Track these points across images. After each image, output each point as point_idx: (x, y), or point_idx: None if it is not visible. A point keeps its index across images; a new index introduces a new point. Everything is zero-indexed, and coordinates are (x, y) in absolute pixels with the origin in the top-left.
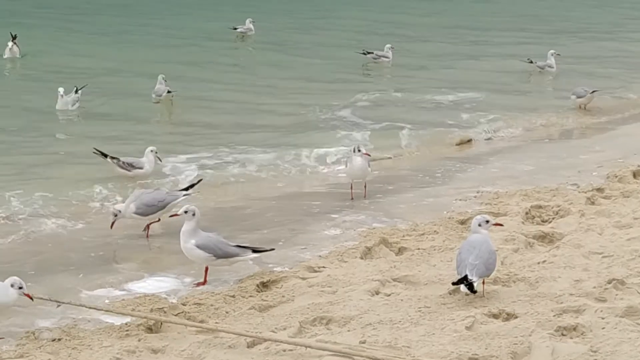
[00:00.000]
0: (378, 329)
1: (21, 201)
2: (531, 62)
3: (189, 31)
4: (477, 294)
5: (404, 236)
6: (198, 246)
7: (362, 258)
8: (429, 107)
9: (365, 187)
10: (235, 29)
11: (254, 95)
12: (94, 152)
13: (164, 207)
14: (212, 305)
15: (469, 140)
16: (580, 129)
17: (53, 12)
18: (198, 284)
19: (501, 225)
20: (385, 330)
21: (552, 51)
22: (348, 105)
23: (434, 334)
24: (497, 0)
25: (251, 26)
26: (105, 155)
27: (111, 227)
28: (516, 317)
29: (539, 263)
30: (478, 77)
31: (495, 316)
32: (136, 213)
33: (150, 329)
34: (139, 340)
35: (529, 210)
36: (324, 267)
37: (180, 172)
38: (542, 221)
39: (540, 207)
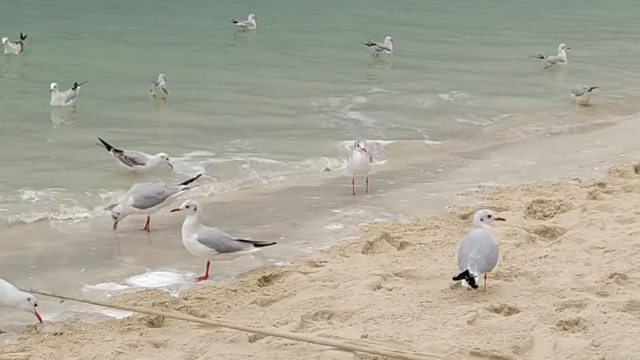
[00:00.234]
0: (380, 324)
1: (22, 197)
2: (542, 57)
3: (189, 28)
4: (479, 288)
5: (405, 231)
6: (200, 240)
7: (363, 253)
8: (431, 103)
9: (367, 181)
10: (236, 22)
11: (254, 93)
12: (98, 144)
13: (162, 199)
14: (213, 299)
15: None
16: (581, 124)
17: (51, 8)
18: (200, 279)
19: (504, 220)
20: (387, 325)
21: (562, 44)
22: (350, 101)
23: (435, 328)
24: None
25: (253, 21)
26: (109, 147)
27: (114, 228)
28: (518, 312)
29: (540, 258)
30: (480, 75)
31: (497, 311)
32: (135, 206)
33: (152, 323)
34: (141, 335)
35: (531, 205)
36: (325, 261)
37: (182, 169)
38: (544, 216)
39: (542, 201)
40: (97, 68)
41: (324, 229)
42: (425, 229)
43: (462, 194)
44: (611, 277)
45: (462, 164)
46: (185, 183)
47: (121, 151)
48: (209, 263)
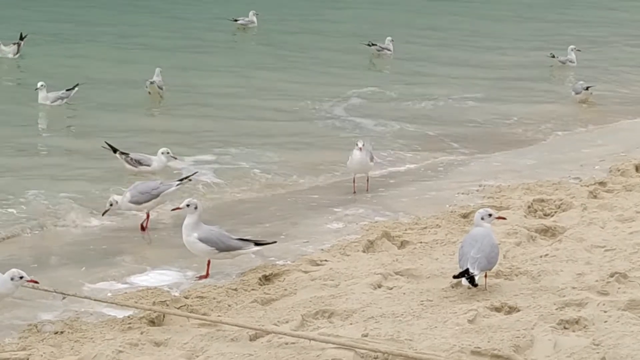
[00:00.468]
0: (380, 322)
1: (22, 196)
2: (553, 56)
3: (188, 23)
4: (479, 287)
5: (406, 230)
6: (201, 239)
7: (364, 251)
8: (432, 103)
9: (367, 180)
10: (236, 20)
11: (254, 93)
12: (104, 147)
13: (157, 195)
14: (214, 298)
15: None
16: (582, 123)
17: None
18: (200, 277)
19: (504, 218)
20: (387, 324)
21: (572, 47)
22: (350, 101)
23: (436, 327)
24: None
25: (254, 19)
26: (115, 150)
27: (102, 214)
28: (518, 311)
29: (541, 256)
30: (481, 75)
31: (497, 309)
32: (131, 202)
33: (152, 322)
34: (142, 333)
35: (532, 203)
36: (326, 260)
37: (183, 169)
38: (545, 215)
39: (542, 200)
40: (93, 71)
41: (325, 228)
42: (425, 227)
43: (462, 193)
44: (612, 276)
45: (463, 163)
46: (181, 180)
47: (127, 153)
48: (209, 262)
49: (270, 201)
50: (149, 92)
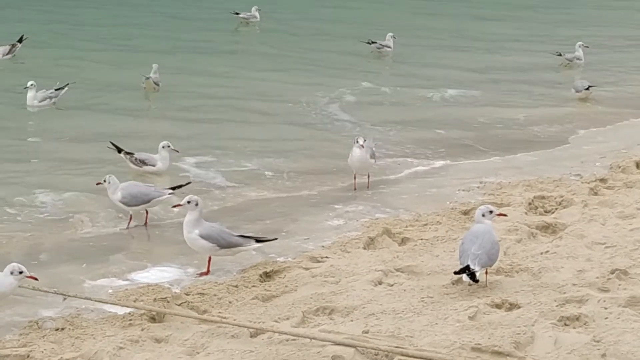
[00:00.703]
0: (381, 319)
1: (22, 193)
2: (559, 55)
3: (188, 23)
4: (480, 284)
5: (407, 226)
6: (202, 236)
7: (365, 248)
8: (432, 101)
9: (368, 177)
10: (237, 13)
11: (253, 90)
12: (109, 147)
13: (148, 201)
14: (215, 295)
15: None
16: (583, 120)
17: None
18: (201, 274)
19: (505, 215)
20: (388, 320)
21: (579, 43)
22: (350, 101)
23: (436, 323)
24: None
25: (256, 14)
26: (120, 150)
27: (97, 184)
28: (519, 307)
29: (541, 253)
30: (481, 73)
31: (498, 306)
32: (121, 201)
33: (153, 319)
34: (142, 330)
35: (532, 200)
36: (326, 257)
37: (182, 170)
38: (545, 211)
39: (543, 197)
40: (89, 72)
41: (325, 225)
42: (426, 224)
43: (463, 190)
44: (612, 272)
45: (463, 160)
46: (173, 188)
47: (132, 153)
48: (210, 259)
49: (271, 198)
50: (144, 88)
